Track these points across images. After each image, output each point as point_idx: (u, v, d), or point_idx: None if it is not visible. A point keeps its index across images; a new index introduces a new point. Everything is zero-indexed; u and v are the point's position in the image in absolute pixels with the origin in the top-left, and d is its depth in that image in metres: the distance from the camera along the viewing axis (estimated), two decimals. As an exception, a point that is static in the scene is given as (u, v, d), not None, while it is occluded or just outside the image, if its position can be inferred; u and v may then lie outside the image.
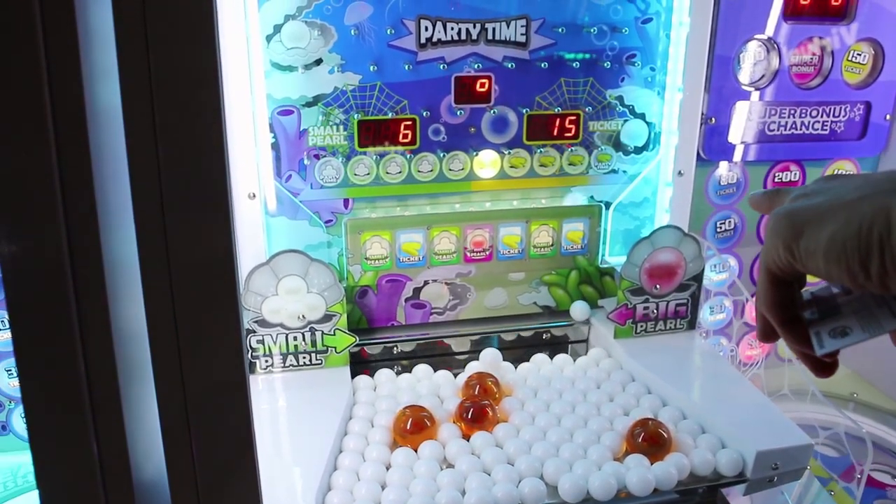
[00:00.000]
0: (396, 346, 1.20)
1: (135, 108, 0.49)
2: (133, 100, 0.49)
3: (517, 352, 1.24)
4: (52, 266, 0.49)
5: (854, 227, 0.41)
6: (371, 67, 1.08)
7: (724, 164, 1.28)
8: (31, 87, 0.45)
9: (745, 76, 1.23)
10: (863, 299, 0.49)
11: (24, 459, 1.03)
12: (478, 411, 0.97)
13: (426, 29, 1.08)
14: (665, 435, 0.92)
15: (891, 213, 0.40)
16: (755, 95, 1.24)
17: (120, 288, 0.53)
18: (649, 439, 0.92)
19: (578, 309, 1.24)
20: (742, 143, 1.27)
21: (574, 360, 1.17)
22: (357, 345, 1.11)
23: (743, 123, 1.25)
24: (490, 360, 1.14)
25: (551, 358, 1.18)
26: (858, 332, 0.48)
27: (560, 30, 1.13)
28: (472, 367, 1.13)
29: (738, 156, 1.27)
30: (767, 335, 0.52)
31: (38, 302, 0.50)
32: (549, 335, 1.27)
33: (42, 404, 0.52)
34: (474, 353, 1.20)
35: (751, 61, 1.23)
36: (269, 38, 1.03)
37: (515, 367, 1.15)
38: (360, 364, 1.17)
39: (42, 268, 0.49)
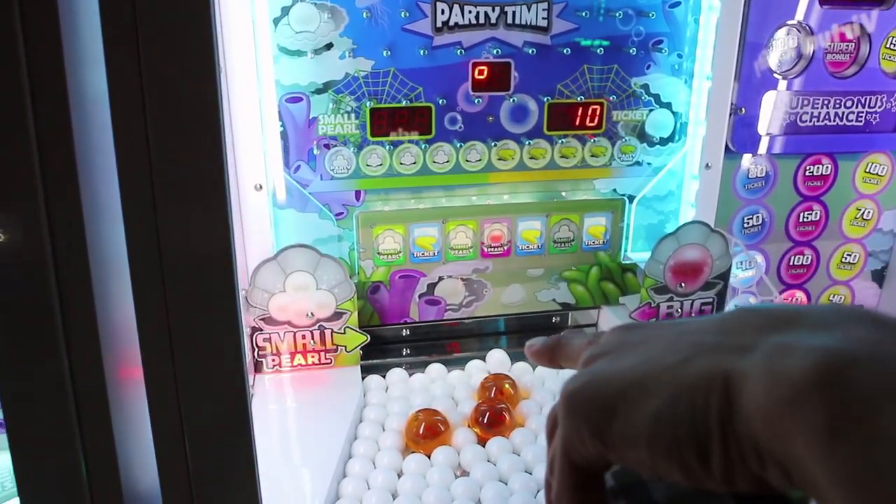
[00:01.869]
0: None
1: (122, 95, 0.45)
2: (120, 86, 0.45)
3: (522, 336, 1.20)
4: (34, 262, 0.46)
5: (684, 405, 0.29)
6: (384, 52, 1.03)
7: (752, 157, 1.22)
8: (9, 74, 0.41)
9: (776, 64, 1.17)
10: (686, 488, 0.33)
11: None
12: (494, 416, 0.92)
13: (442, 12, 1.03)
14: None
15: (730, 381, 0.28)
16: (787, 84, 1.18)
17: (107, 286, 0.49)
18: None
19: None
20: (772, 134, 1.21)
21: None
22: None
23: (774, 114, 1.19)
24: (497, 361, 1.10)
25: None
26: None
27: (583, 14, 1.07)
28: (475, 366, 1.09)
29: (768, 148, 1.21)
30: None
31: (19, 301, 0.46)
32: (557, 318, 1.24)
33: (24, 411, 0.49)
34: (483, 336, 1.19)
35: (783, 48, 1.16)
36: (276, 21, 0.98)
37: (533, 369, 1.10)
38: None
39: (23, 264, 0.46)
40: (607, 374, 0.32)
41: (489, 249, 1.15)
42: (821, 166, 1.27)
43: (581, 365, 0.35)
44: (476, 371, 1.08)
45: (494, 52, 1.06)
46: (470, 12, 1.03)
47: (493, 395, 0.99)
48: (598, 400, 0.32)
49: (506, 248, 1.15)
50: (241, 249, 1.02)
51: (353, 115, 1.05)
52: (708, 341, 0.30)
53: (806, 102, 1.20)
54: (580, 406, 0.32)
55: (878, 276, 1.37)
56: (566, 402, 0.33)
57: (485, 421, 0.92)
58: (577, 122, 1.13)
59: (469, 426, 0.94)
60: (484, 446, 0.90)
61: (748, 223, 1.27)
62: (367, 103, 1.05)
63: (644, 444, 0.30)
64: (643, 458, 0.30)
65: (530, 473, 0.85)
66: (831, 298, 1.37)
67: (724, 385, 0.28)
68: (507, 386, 1.00)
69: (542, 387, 1.03)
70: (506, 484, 0.83)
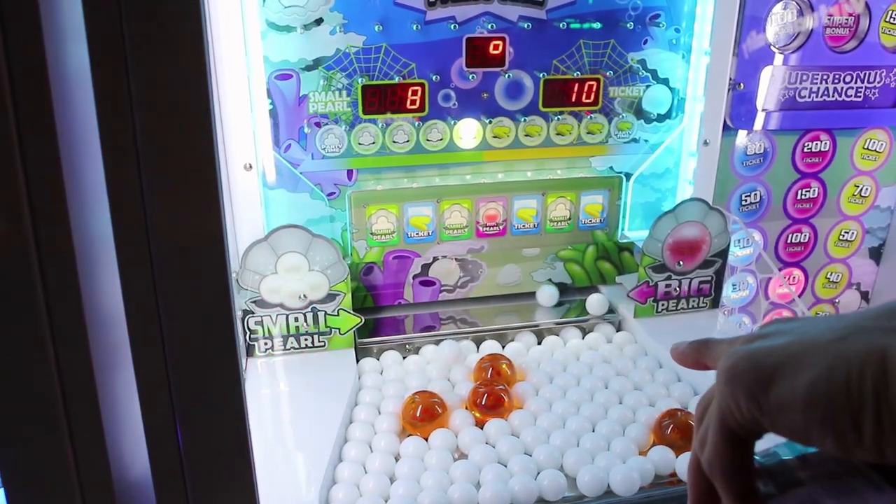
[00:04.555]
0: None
1: (105, 71, 0.43)
2: (103, 63, 0.43)
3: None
4: (16, 245, 0.44)
5: (841, 375, 0.31)
6: (376, 27, 1.00)
7: (751, 133, 1.21)
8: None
9: (775, 39, 1.15)
10: (828, 466, 0.37)
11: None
12: (492, 397, 0.91)
13: (435, -15, 1.00)
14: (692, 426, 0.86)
15: (887, 354, 0.31)
16: (785, 59, 1.16)
17: (94, 270, 0.47)
18: (679, 431, 0.85)
19: (547, 294, 1.18)
20: (771, 110, 1.19)
21: (588, 340, 1.11)
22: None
23: (772, 89, 1.17)
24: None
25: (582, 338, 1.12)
26: None
27: (579, -13, 1.05)
28: (470, 347, 1.08)
29: (766, 124, 1.20)
30: None
31: (0, 287, 0.44)
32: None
33: (8, 398, 0.47)
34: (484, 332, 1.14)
35: (782, 22, 1.14)
36: (265, -4, 0.96)
37: (527, 350, 1.08)
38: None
39: (4, 248, 0.43)
40: (765, 348, 0.35)
41: (484, 229, 1.13)
42: (819, 142, 1.26)
43: (742, 344, 0.37)
44: (472, 352, 1.07)
45: (489, 26, 1.04)
46: (464, -15, 1.01)
47: (490, 375, 0.97)
48: (756, 369, 0.34)
49: (501, 227, 1.13)
50: (230, 231, 1.00)
51: (344, 93, 1.03)
52: (866, 324, 0.33)
53: (805, 77, 1.18)
54: (739, 375, 0.35)
55: (876, 254, 1.37)
56: (725, 373, 0.35)
57: (483, 403, 0.91)
58: (574, 99, 1.11)
59: (467, 408, 0.93)
60: (482, 428, 0.88)
61: (746, 200, 1.26)
62: (359, 80, 1.03)
63: (799, 410, 0.32)
64: (797, 424, 0.33)
65: (530, 455, 0.84)
66: (829, 277, 1.36)
67: (881, 359, 0.31)
68: (504, 366, 0.98)
69: (538, 368, 1.02)
70: (505, 466, 0.82)
